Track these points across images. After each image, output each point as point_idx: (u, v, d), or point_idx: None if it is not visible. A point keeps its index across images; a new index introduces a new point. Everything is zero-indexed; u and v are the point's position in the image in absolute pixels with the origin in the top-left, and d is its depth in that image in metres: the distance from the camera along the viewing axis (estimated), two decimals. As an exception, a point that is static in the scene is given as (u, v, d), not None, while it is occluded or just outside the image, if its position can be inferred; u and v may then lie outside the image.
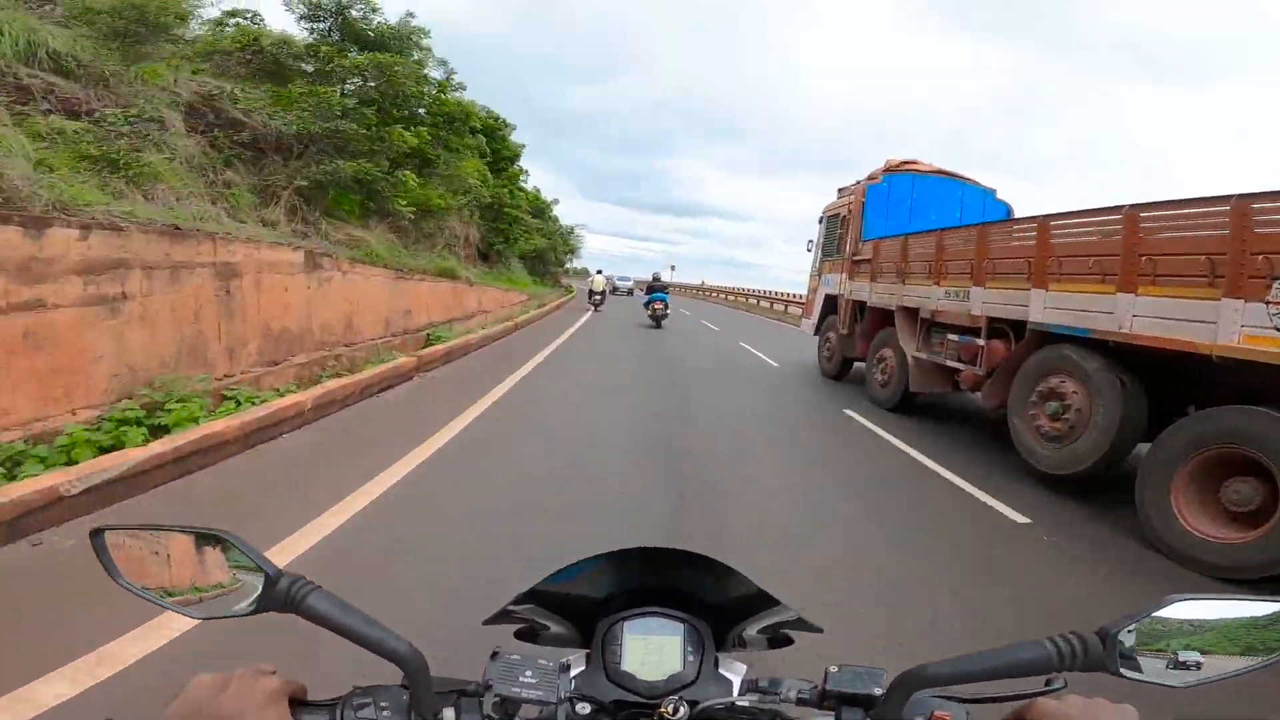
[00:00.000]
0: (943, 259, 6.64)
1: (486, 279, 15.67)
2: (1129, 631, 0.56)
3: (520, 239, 20.38)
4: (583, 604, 0.76)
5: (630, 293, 41.68)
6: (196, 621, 1.07)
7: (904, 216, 9.22)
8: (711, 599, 0.76)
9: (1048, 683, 0.61)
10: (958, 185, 9.53)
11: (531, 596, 0.73)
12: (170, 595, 0.63)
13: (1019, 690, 0.62)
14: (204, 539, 0.63)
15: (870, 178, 9.53)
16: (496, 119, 18.89)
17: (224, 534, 0.62)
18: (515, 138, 19.95)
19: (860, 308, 8.97)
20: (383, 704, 0.60)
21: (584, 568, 0.73)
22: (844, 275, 9.49)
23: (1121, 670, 0.56)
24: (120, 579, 0.62)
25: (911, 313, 7.35)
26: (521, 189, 20.16)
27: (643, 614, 0.73)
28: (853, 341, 9.27)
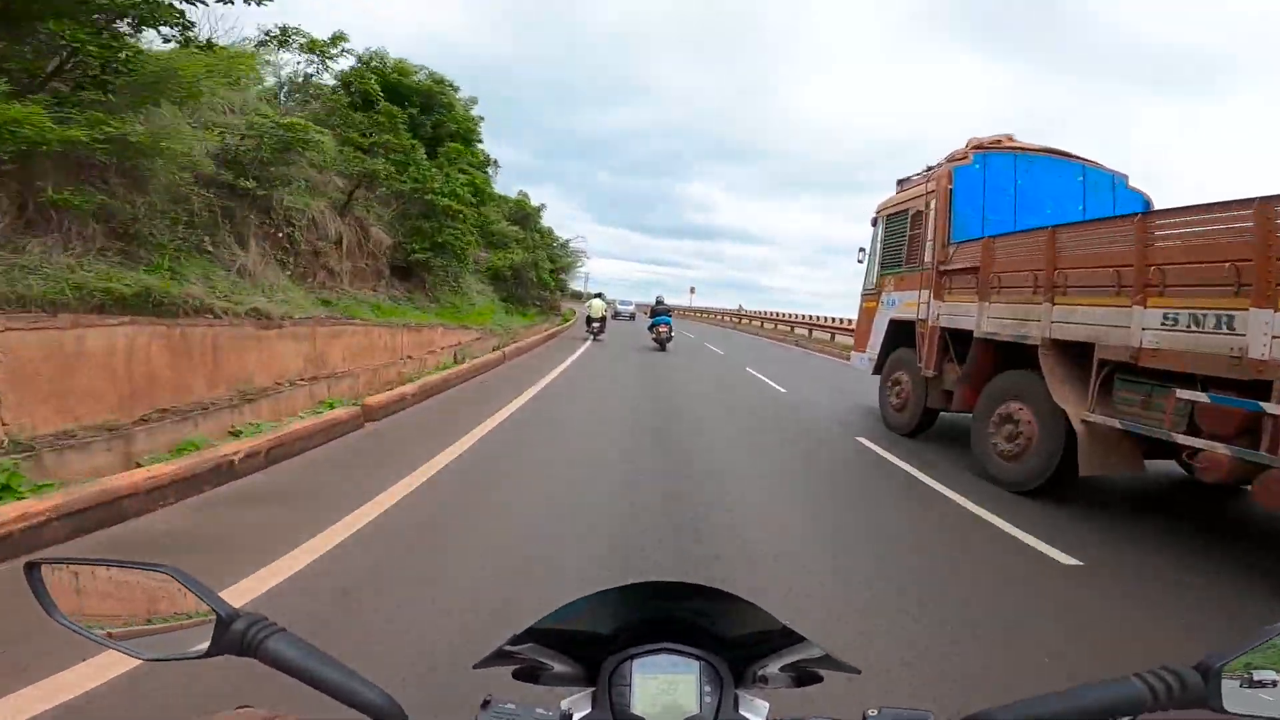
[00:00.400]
0: (1151, 262, 3.95)
1: (387, 312, 9.64)
2: (1233, 665, 0.52)
3: (463, 242, 13.43)
4: (587, 640, 0.68)
5: (632, 317, 38.94)
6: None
7: (1007, 209, 6.62)
8: (728, 634, 0.68)
9: None
10: (1077, 168, 6.93)
11: (530, 635, 0.66)
12: (115, 634, 0.60)
13: None
14: (149, 575, 0.60)
15: (954, 158, 6.92)
16: (439, 81, 14.57)
17: (170, 570, 0.60)
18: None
19: (957, 338, 6.27)
20: None
21: (587, 604, 0.65)
22: (924, 292, 6.81)
23: (1229, 708, 0.51)
24: (58, 615, 0.60)
25: (1076, 350, 4.65)
26: (468, 171, 14.14)
27: (653, 650, 0.66)
28: (941, 387, 6.55)
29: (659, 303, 19.52)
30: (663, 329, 17.13)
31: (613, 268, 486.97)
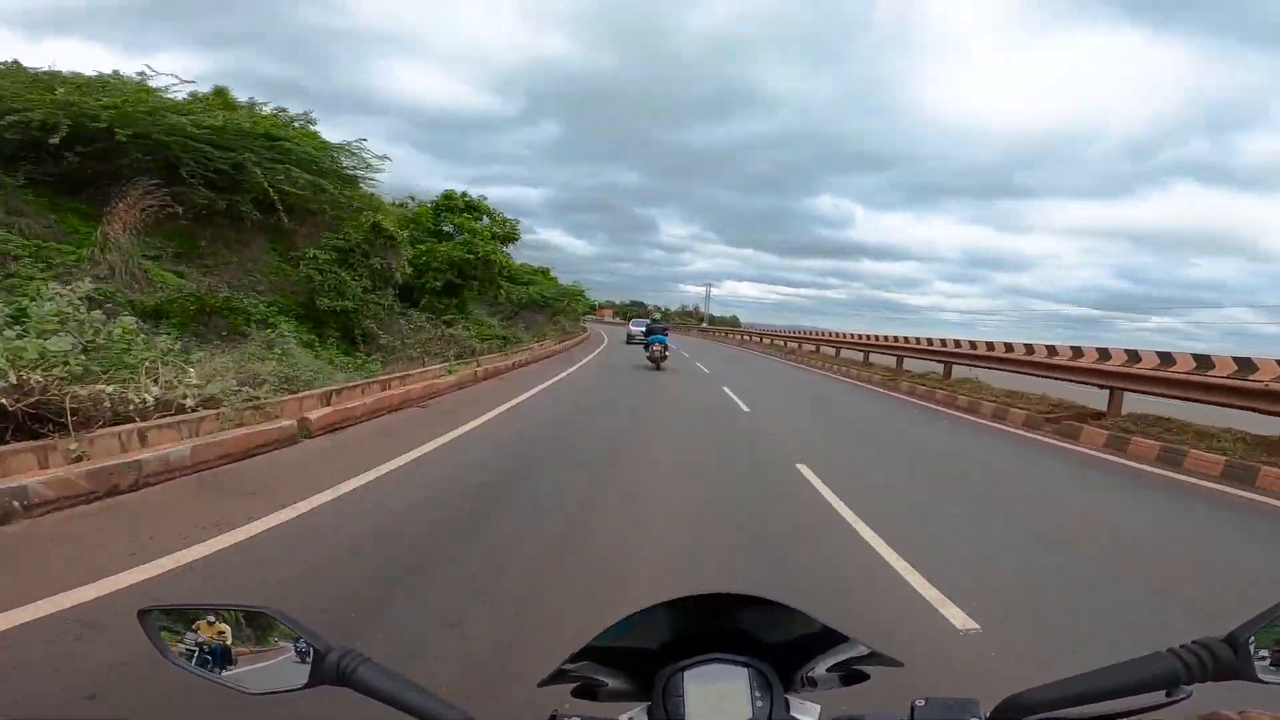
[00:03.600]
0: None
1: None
2: (1261, 634, 0.53)
3: None
4: (639, 656, 0.70)
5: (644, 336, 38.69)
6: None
7: None
8: (773, 639, 0.68)
9: (1169, 694, 0.56)
10: None
11: (586, 654, 0.68)
12: (221, 671, 0.63)
13: (1133, 706, 0.58)
14: (250, 615, 0.64)
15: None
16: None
17: (270, 610, 0.64)
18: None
19: None
20: None
21: (636, 621, 0.67)
22: None
23: (1262, 676, 0.53)
24: (170, 657, 0.63)
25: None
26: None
27: (702, 661, 0.67)
28: None
29: (655, 322, 20.50)
30: (657, 348, 17.07)
31: (746, 290, 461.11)
